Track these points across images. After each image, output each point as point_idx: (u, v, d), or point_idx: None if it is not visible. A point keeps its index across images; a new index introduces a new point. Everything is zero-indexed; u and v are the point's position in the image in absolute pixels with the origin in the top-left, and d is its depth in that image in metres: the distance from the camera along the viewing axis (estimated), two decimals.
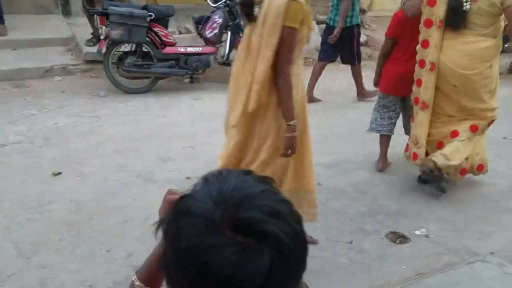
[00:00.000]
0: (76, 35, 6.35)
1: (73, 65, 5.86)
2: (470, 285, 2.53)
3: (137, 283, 0.91)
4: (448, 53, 3.13)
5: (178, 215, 0.66)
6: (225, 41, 5.53)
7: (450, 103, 3.25)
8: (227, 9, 5.48)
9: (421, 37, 3.21)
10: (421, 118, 3.28)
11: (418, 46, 3.25)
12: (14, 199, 3.14)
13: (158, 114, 4.78)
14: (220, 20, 5.35)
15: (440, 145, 3.29)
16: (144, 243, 2.68)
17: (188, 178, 3.47)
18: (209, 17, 5.45)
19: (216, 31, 5.37)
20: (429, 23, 3.14)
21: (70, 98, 5.05)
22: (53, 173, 3.49)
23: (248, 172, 0.71)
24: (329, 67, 6.63)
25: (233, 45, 5.53)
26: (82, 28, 6.42)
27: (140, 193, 3.28)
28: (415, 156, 3.35)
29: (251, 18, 2.29)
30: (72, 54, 6.09)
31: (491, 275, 2.60)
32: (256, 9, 2.25)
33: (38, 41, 6.11)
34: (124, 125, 4.47)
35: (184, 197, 0.68)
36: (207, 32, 5.39)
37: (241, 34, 5.60)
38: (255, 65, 2.26)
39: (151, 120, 4.63)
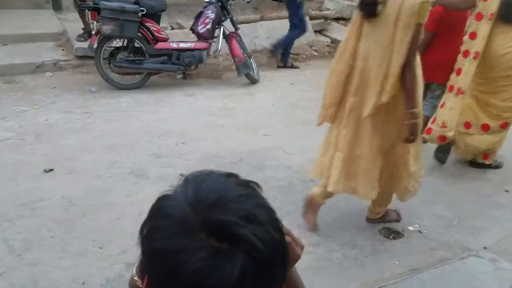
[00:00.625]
0: (67, 30, 6.28)
1: (64, 60, 5.79)
2: (463, 280, 2.54)
3: (136, 278, 0.91)
4: (499, 43, 3.33)
5: (153, 215, 0.65)
6: (218, 36, 5.50)
7: (491, 95, 3.48)
8: (219, 4, 5.45)
9: (469, 29, 3.41)
10: (454, 104, 3.43)
11: (466, 37, 3.43)
12: (5, 196, 3.11)
13: (150, 110, 4.75)
14: (212, 15, 5.32)
15: (467, 126, 3.53)
16: (137, 240, 2.66)
17: (181, 175, 3.43)
18: (201, 12, 5.41)
19: (208, 26, 5.33)
20: (479, 16, 3.35)
21: (61, 94, 5.00)
22: (45, 170, 3.46)
23: (230, 175, 0.68)
24: (320, 63, 6.64)
25: (227, 40, 5.51)
26: (73, 23, 6.35)
27: (132, 189, 3.26)
28: (442, 138, 3.49)
29: (372, 15, 2.42)
30: (63, 50, 6.03)
31: (484, 270, 2.62)
32: (379, 7, 2.38)
33: (28, 36, 6.03)
34: (116, 121, 4.44)
35: (162, 197, 0.66)
36: (199, 28, 5.36)
37: (234, 30, 5.59)
38: (388, 59, 2.40)
39: (144, 116, 4.60)
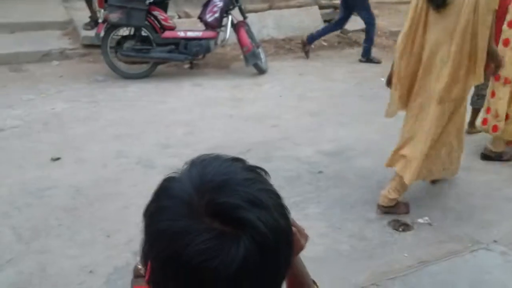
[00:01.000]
0: (74, 19, 6.25)
1: (71, 49, 5.78)
2: (473, 273, 2.52)
3: (139, 266, 0.90)
4: None
5: (158, 196, 0.64)
6: (226, 25, 5.45)
7: None
8: None
9: (508, 18, 3.40)
10: (502, 93, 3.46)
11: (504, 26, 3.41)
12: (12, 184, 3.11)
13: (157, 100, 4.72)
14: (220, 4, 5.26)
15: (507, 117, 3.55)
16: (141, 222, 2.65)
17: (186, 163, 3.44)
18: (209, 1, 5.36)
19: (216, 15, 5.28)
20: None
21: (68, 83, 4.98)
22: (52, 158, 3.45)
23: (237, 160, 0.67)
24: (329, 53, 6.58)
25: (235, 29, 5.45)
26: (80, 12, 6.32)
27: (139, 179, 3.24)
28: (495, 128, 3.52)
29: (442, 6, 2.63)
30: (69, 38, 6.01)
31: (494, 263, 2.59)
32: None
33: (35, 24, 6.01)
34: (123, 110, 4.42)
35: (167, 179, 0.66)
36: (207, 16, 5.31)
37: (242, 18, 5.53)
38: (469, 44, 2.64)
39: (151, 106, 4.58)
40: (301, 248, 0.83)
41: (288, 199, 3.19)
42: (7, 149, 3.58)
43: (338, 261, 2.58)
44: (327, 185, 3.30)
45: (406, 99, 2.93)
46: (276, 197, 0.65)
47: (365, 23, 6.13)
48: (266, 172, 0.68)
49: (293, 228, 0.78)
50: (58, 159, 3.46)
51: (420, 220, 2.94)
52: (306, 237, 0.84)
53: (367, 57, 6.25)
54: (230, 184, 0.61)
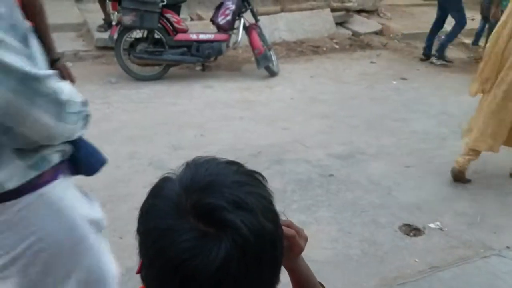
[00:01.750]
0: (87, 21, 6.32)
1: (84, 51, 5.84)
2: (485, 280, 2.49)
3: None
4: None
5: (151, 195, 0.67)
6: (238, 28, 5.47)
7: None
8: None
9: None
10: None
11: None
12: None
13: (169, 102, 4.76)
14: (233, 7, 5.29)
15: None
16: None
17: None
18: (221, 3, 5.39)
19: (228, 17, 5.30)
20: None
21: (81, 85, 5.00)
22: None
23: (233, 163, 0.68)
24: (340, 56, 6.57)
25: (247, 32, 5.47)
26: (93, 14, 6.39)
27: (151, 180, 3.21)
28: None
29: None
30: (83, 40, 6.07)
31: (507, 270, 2.56)
32: None
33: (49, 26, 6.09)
34: (135, 112, 4.46)
35: (162, 179, 0.68)
36: (219, 19, 5.33)
37: (254, 21, 5.55)
38: None
39: (163, 107, 4.61)
40: (301, 250, 0.84)
41: (299, 202, 3.22)
42: None
43: (348, 266, 2.57)
44: (338, 189, 3.29)
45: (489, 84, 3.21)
46: (266, 201, 0.65)
47: (456, 22, 6.26)
48: (263, 177, 0.68)
49: (292, 231, 0.81)
50: None
51: (431, 225, 2.92)
52: (305, 239, 0.85)
53: (439, 54, 6.36)
54: (217, 185, 0.62)
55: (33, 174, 1.14)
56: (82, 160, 1.31)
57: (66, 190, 1.27)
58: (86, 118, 1.20)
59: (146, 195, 0.68)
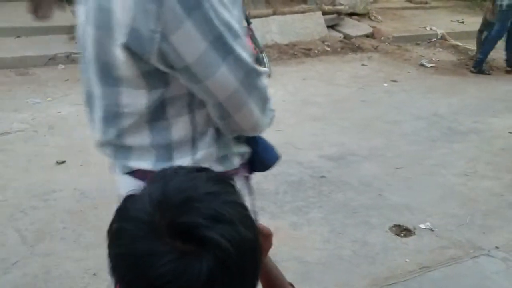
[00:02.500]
0: None
1: (76, 53, 5.81)
2: (474, 279, 2.53)
3: None
4: None
5: (118, 217, 0.63)
6: None
7: None
8: None
9: None
10: None
11: None
12: (18, 187, 3.14)
13: None
14: None
15: None
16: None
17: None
18: None
19: None
20: None
21: (74, 87, 5.03)
22: (57, 162, 3.49)
23: (201, 170, 0.66)
24: (332, 58, 6.61)
25: None
26: None
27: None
28: None
29: None
30: (76, 43, 6.04)
31: (496, 270, 2.60)
32: None
33: (42, 28, 6.07)
34: None
35: (127, 198, 0.64)
36: None
37: (246, 24, 5.57)
38: None
39: None
40: (270, 247, 0.85)
41: (291, 203, 3.24)
42: (13, 152, 3.62)
43: (340, 266, 2.60)
44: (330, 190, 3.32)
45: None
46: (241, 208, 0.64)
47: (495, 30, 6.22)
48: (233, 180, 0.68)
49: (267, 228, 0.82)
50: (63, 162, 3.49)
51: (421, 226, 2.96)
52: (270, 234, 0.85)
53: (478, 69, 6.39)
54: (191, 201, 0.60)
55: (218, 168, 1.18)
56: (259, 155, 1.34)
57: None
58: (273, 117, 1.24)
59: (112, 217, 0.64)
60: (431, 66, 6.46)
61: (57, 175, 3.32)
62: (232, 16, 1.03)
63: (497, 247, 2.78)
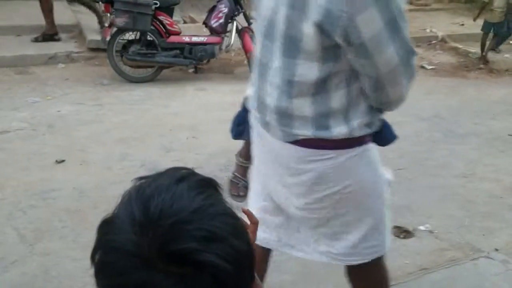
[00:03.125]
0: (80, 22, 6.31)
1: (76, 52, 5.83)
2: (474, 281, 2.52)
3: None
4: None
5: (101, 248, 0.60)
6: (231, 31, 5.49)
7: None
8: None
9: None
10: None
11: None
12: (17, 186, 3.14)
13: (161, 104, 4.76)
14: (225, 10, 5.30)
15: None
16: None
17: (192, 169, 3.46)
18: (214, 6, 5.40)
19: (221, 20, 5.32)
20: None
21: (73, 86, 5.03)
22: (56, 161, 3.48)
23: (181, 179, 0.62)
24: None
25: (240, 35, 5.48)
26: (86, 15, 6.38)
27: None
28: None
29: None
30: (76, 42, 6.06)
31: (495, 272, 2.59)
32: None
33: (42, 27, 6.07)
34: (127, 114, 4.45)
35: (105, 225, 0.61)
36: (212, 22, 5.35)
37: (247, 24, 5.57)
38: None
39: (155, 109, 4.61)
40: (255, 238, 0.89)
41: None
42: (12, 151, 3.62)
43: (340, 267, 2.57)
44: None
45: None
46: (231, 219, 0.61)
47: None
48: (216, 183, 0.65)
49: (255, 218, 0.85)
50: (62, 161, 3.49)
51: (421, 227, 2.95)
52: (256, 222, 0.90)
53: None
54: (178, 225, 0.56)
55: (366, 131, 1.39)
56: (383, 130, 1.50)
57: (376, 151, 1.51)
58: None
59: (93, 247, 0.61)
60: (431, 68, 6.46)
61: (56, 174, 3.31)
62: (402, 0, 1.20)
63: (496, 249, 2.78)
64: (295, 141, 1.37)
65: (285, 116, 1.35)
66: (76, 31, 6.22)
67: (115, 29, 5.06)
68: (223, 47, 5.52)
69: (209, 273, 0.56)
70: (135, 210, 0.58)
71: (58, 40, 5.81)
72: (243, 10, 5.54)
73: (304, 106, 1.31)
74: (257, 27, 1.40)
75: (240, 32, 5.49)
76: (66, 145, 3.75)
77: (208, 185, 0.64)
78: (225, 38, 5.49)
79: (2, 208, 2.89)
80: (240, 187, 2.56)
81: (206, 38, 5.38)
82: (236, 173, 2.61)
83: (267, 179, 1.56)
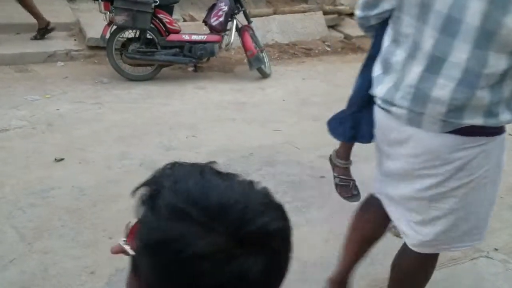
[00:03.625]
0: (79, 20, 6.29)
1: (76, 50, 5.81)
2: (473, 281, 2.52)
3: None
4: None
5: (184, 264, 0.60)
6: (230, 29, 5.48)
7: None
8: None
9: None
10: None
11: None
12: (16, 184, 3.13)
13: (161, 102, 4.75)
14: (225, 8, 5.29)
15: None
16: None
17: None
18: (214, 5, 5.39)
19: (221, 19, 5.31)
20: None
21: (73, 84, 5.01)
22: (56, 159, 3.47)
23: (204, 169, 0.66)
24: (332, 58, 6.60)
25: (240, 33, 5.47)
26: (86, 13, 6.36)
27: (142, 181, 3.25)
28: None
29: None
30: (75, 40, 6.04)
31: (495, 271, 2.59)
32: None
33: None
34: (127, 112, 4.44)
35: (169, 241, 0.61)
36: (212, 20, 5.34)
37: (246, 23, 5.56)
38: None
39: (154, 108, 4.60)
40: None
41: (291, 203, 3.22)
42: (11, 149, 3.61)
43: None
44: (330, 190, 3.30)
45: None
46: (263, 187, 0.67)
47: None
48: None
49: None
50: (62, 159, 3.48)
51: None
52: None
53: None
54: (239, 211, 0.61)
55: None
56: None
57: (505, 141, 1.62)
58: None
59: (169, 271, 0.62)
60: None
61: (56, 173, 3.31)
62: None
63: (496, 249, 2.78)
64: (452, 130, 1.46)
65: (457, 107, 1.41)
66: (76, 29, 6.20)
67: (114, 27, 5.05)
68: (223, 45, 5.51)
69: (280, 237, 0.63)
70: (194, 215, 0.60)
71: (53, 29, 5.77)
72: (243, 9, 5.53)
73: (484, 96, 1.39)
74: (429, 22, 1.41)
75: (240, 31, 5.48)
76: (66, 143, 3.74)
77: (231, 174, 0.68)
78: (225, 37, 5.48)
79: (1, 206, 2.89)
80: (352, 187, 2.54)
81: (206, 37, 5.37)
82: (340, 176, 2.55)
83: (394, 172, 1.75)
